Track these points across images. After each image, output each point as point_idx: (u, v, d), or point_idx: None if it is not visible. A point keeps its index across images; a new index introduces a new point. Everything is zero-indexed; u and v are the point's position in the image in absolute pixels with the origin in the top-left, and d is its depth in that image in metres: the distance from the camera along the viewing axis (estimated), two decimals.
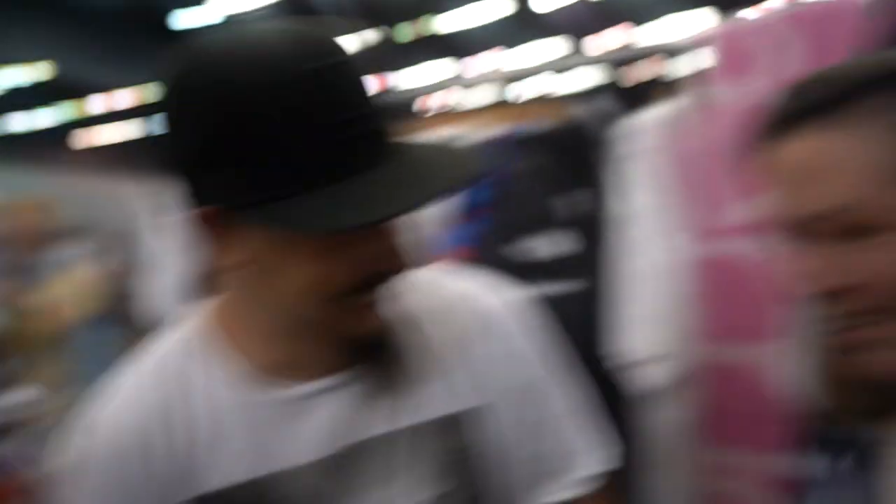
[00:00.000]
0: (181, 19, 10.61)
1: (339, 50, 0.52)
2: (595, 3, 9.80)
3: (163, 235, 2.12)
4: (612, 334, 1.17)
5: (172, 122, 0.54)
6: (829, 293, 0.53)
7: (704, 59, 1.44)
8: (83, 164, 14.63)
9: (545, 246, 1.16)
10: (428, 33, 11.74)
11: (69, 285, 2.56)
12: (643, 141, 1.18)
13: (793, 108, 0.54)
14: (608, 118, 1.39)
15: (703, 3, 10.00)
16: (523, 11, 10.28)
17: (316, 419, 0.61)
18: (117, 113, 13.47)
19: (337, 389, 0.62)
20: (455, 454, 0.64)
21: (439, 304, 0.68)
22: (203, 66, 0.52)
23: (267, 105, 0.49)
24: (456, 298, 0.69)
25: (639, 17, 10.67)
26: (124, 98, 12.64)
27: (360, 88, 0.52)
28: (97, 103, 12.75)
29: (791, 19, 1.17)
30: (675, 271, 1.13)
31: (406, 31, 11.35)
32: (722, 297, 1.17)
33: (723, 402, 1.19)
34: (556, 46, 10.85)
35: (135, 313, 5.09)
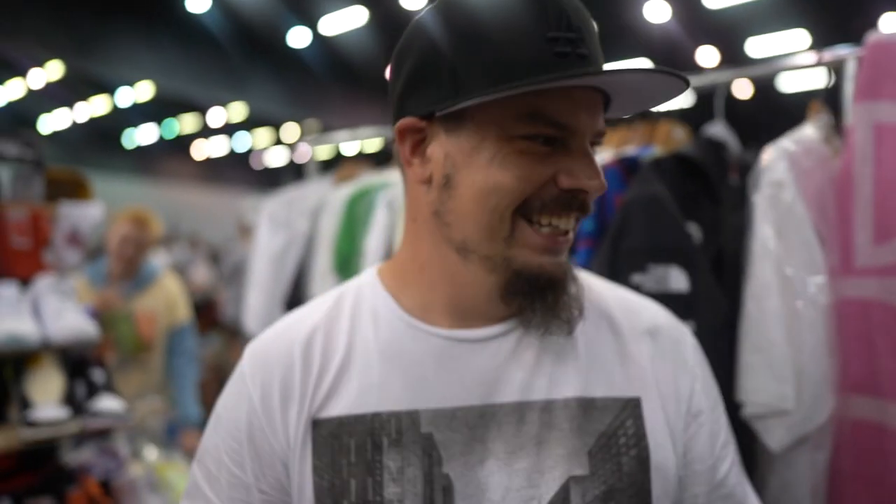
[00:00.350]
0: (284, 41, 11.07)
1: None
2: (689, 19, 9.47)
3: (255, 249, 2.15)
4: (732, 382, 1.05)
5: (403, 51, 0.62)
6: None
7: (827, 79, 1.31)
8: (185, 176, 15.61)
9: (652, 283, 1.05)
10: None
11: (161, 295, 2.64)
12: (769, 173, 1.06)
13: None
14: (721, 146, 1.28)
15: (801, 24, 9.47)
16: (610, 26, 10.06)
17: (458, 368, 0.62)
18: (215, 129, 14.29)
19: (490, 342, 0.63)
20: (604, 439, 0.62)
21: (615, 299, 0.70)
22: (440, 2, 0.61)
23: (487, 18, 0.56)
24: (633, 299, 0.72)
25: (733, 36, 10.25)
26: (223, 115, 13.35)
27: (579, 19, 0.57)
28: (201, 120, 13.54)
29: None
30: (807, 315, 0.99)
31: None
32: (863, 345, 1.03)
33: (859, 466, 1.04)
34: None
35: (223, 321, 5.27)
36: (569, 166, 0.58)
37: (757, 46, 10.22)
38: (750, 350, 1.02)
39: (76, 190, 2.29)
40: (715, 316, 1.03)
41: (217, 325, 5.64)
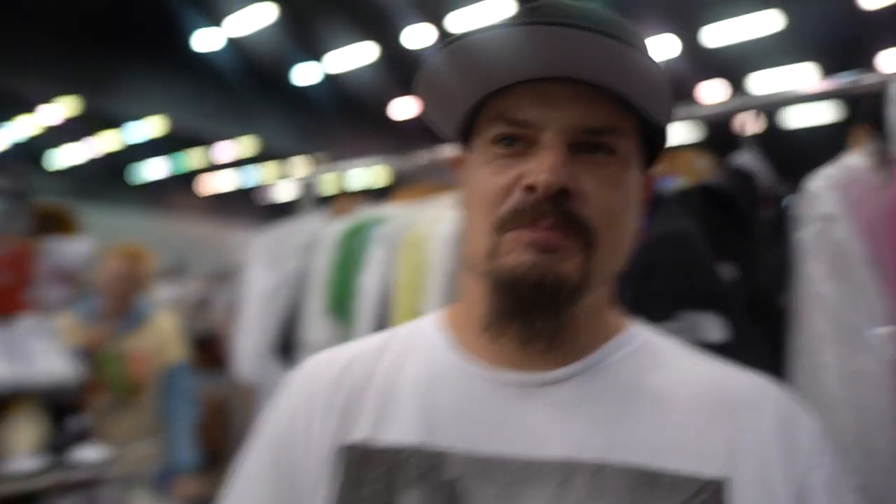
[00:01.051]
0: (293, 77, 11.30)
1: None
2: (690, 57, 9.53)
3: (246, 288, 2.03)
4: None
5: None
6: None
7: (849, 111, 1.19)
8: (192, 210, 15.76)
9: (682, 332, 0.92)
10: None
11: (152, 335, 2.54)
12: (817, 205, 0.94)
13: None
14: (750, 177, 1.16)
15: (808, 57, 9.49)
16: None
17: (503, 414, 0.56)
18: (223, 164, 14.44)
19: (544, 388, 0.57)
20: None
21: (703, 363, 0.61)
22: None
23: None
24: (729, 368, 0.61)
25: (739, 71, 10.28)
26: (231, 150, 13.53)
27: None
28: (210, 154, 13.73)
29: None
30: (871, 373, 0.85)
31: None
32: None
33: None
34: None
35: (228, 361, 5.16)
36: (530, 166, 0.53)
37: (760, 82, 10.24)
38: None
39: (63, 225, 2.21)
40: (757, 370, 0.89)
41: (222, 361, 5.51)
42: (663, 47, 8.83)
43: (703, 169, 1.28)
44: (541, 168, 0.52)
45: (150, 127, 11.71)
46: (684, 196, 1.04)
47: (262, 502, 0.60)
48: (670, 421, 0.55)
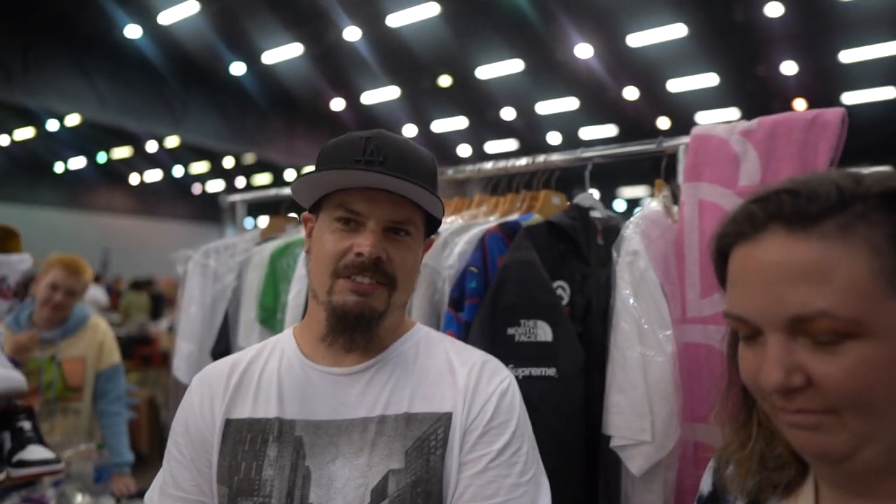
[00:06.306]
0: (224, 70, 11.07)
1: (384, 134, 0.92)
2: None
3: (186, 298, 2.23)
4: (590, 419, 1.28)
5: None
6: (784, 389, 0.54)
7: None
8: (119, 206, 15.08)
9: (523, 334, 1.26)
10: None
11: (93, 338, 2.64)
12: (627, 244, 1.29)
13: (773, 212, 0.56)
14: (588, 212, 1.50)
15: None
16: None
17: (328, 393, 0.90)
18: (149, 158, 13.96)
19: (352, 375, 0.91)
20: (415, 442, 0.86)
21: (451, 348, 0.96)
22: None
23: (331, 150, 0.93)
24: (463, 351, 0.96)
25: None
26: (159, 146, 13.08)
27: (386, 149, 0.89)
28: (138, 149, 13.23)
29: (745, 134, 1.29)
30: (657, 362, 1.22)
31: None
32: (696, 381, 1.26)
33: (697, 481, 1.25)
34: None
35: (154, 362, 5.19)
36: (359, 240, 0.87)
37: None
38: (616, 391, 1.24)
39: (6, 240, 2.31)
40: (573, 362, 1.25)
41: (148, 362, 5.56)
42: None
43: (556, 204, 1.63)
44: (366, 243, 0.86)
45: (72, 121, 11.23)
46: (530, 231, 1.37)
47: (182, 459, 0.90)
48: (425, 383, 0.90)
